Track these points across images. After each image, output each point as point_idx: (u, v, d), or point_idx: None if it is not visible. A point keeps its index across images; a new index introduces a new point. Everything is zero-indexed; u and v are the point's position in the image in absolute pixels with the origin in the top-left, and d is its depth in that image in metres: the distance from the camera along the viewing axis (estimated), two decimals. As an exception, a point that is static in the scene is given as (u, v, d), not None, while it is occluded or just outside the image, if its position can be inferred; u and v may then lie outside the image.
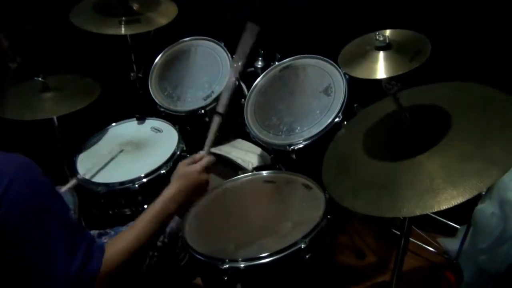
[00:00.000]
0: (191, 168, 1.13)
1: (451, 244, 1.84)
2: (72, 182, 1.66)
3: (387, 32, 1.20)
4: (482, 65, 1.75)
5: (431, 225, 1.93)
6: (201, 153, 1.18)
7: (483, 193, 1.62)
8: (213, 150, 1.93)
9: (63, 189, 1.61)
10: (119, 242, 1.01)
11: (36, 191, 0.91)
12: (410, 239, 1.89)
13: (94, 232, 1.40)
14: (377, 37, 1.16)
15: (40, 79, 1.76)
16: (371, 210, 1.12)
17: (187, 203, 1.14)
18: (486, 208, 1.61)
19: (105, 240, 1.35)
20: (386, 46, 1.17)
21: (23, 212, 0.88)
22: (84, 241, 0.96)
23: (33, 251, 0.90)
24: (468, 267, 1.73)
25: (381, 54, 1.18)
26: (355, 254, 1.98)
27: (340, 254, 1.99)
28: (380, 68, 1.16)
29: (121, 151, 1.82)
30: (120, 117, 1.99)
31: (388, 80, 1.16)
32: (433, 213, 1.90)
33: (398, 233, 1.53)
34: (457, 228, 1.89)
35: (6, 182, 0.86)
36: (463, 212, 1.66)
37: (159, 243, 1.40)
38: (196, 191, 1.13)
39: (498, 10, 1.68)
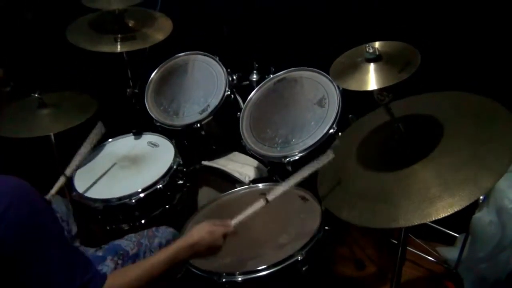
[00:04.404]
0: (218, 229, 1.18)
1: (451, 253, 1.83)
2: (60, 181, 1.60)
3: (377, 44, 1.21)
4: (473, 76, 1.76)
5: (430, 234, 1.93)
6: (230, 222, 1.23)
7: (480, 201, 1.62)
8: (210, 163, 1.94)
9: (53, 190, 1.54)
10: (123, 276, 1.04)
11: (34, 213, 0.92)
12: (410, 249, 1.90)
13: (91, 250, 1.40)
14: (367, 49, 1.18)
15: (36, 95, 1.77)
16: (368, 222, 1.12)
17: (196, 257, 1.20)
18: (483, 216, 1.61)
19: (99, 254, 1.35)
20: (376, 58, 1.18)
21: (21, 234, 0.89)
22: (81, 260, 0.97)
23: (32, 270, 0.91)
24: (468, 275, 1.73)
25: (372, 66, 1.19)
26: (355, 265, 1.97)
27: (340, 265, 1.98)
28: (371, 79, 1.17)
29: (114, 164, 1.83)
30: (117, 133, 2.00)
31: (380, 91, 1.17)
32: (432, 222, 1.90)
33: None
34: (456, 236, 1.88)
35: (4, 205, 0.87)
36: (461, 221, 1.66)
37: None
38: (209, 251, 1.17)
39: (488, 20, 1.71)
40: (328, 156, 1.24)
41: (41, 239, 0.92)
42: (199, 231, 1.17)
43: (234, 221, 1.24)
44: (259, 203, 1.25)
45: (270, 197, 1.25)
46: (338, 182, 1.26)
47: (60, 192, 1.63)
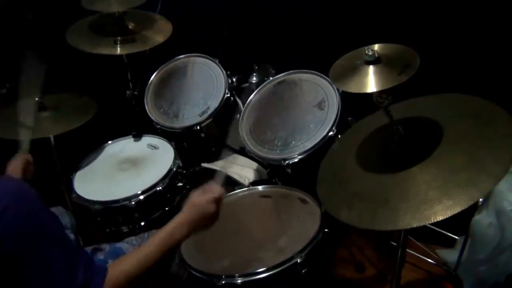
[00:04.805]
0: (202, 197, 1.13)
1: (450, 255, 1.83)
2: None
3: (376, 46, 1.21)
4: (473, 77, 1.77)
5: (429, 236, 1.93)
6: (213, 184, 1.18)
7: (480, 203, 1.62)
8: (209, 165, 1.94)
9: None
10: (123, 265, 1.02)
11: (32, 213, 0.92)
12: (410, 251, 1.89)
13: (88, 248, 1.41)
14: (366, 52, 1.18)
15: (37, 99, 1.77)
16: (366, 224, 1.12)
17: (195, 232, 1.12)
18: (483, 219, 1.61)
19: (101, 257, 1.35)
20: (375, 60, 1.18)
21: (20, 234, 0.90)
22: (82, 259, 0.97)
23: (31, 270, 0.91)
24: (468, 278, 1.73)
25: (371, 68, 1.19)
26: (355, 267, 1.97)
27: (339, 267, 1.98)
28: (371, 82, 1.17)
29: (114, 166, 1.83)
30: (117, 135, 2.00)
31: (379, 93, 1.17)
32: (431, 224, 1.90)
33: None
34: (455, 239, 1.88)
35: (3, 205, 0.88)
36: (461, 223, 1.66)
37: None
38: (204, 221, 1.12)
39: (487, 22, 1.71)
40: None
41: (40, 239, 0.92)
42: (188, 207, 1.12)
43: (216, 181, 1.18)
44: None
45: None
46: (337, 183, 1.26)
47: (62, 200, 1.64)
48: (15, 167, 1.46)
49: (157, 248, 1.05)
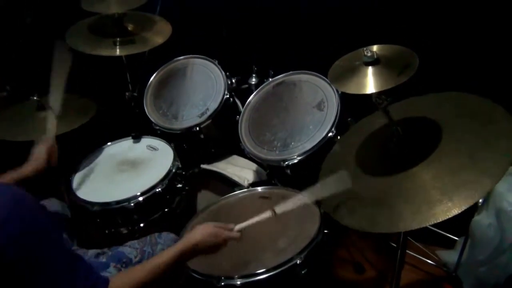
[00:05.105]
0: (220, 232, 1.20)
1: (450, 256, 1.83)
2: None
3: (375, 47, 1.22)
4: (473, 77, 1.77)
5: (429, 237, 1.93)
6: (234, 227, 1.24)
7: (480, 204, 1.62)
8: (209, 167, 1.94)
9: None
10: (128, 277, 1.04)
11: (33, 219, 0.93)
12: (409, 252, 1.89)
13: (92, 252, 1.40)
14: (365, 53, 1.18)
15: (35, 98, 1.78)
16: (368, 227, 1.12)
17: (198, 256, 1.19)
18: (483, 219, 1.61)
19: (103, 260, 1.35)
20: (374, 61, 1.19)
21: (22, 242, 0.90)
22: (82, 267, 0.98)
23: (35, 276, 0.91)
24: (467, 279, 1.72)
25: (370, 69, 1.19)
26: (354, 268, 1.97)
27: (339, 268, 1.98)
28: (370, 83, 1.18)
29: (113, 167, 1.83)
30: (116, 136, 2.00)
31: (378, 94, 1.17)
32: (431, 225, 1.90)
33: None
34: (455, 239, 1.88)
35: (3, 216, 0.88)
36: (461, 224, 1.66)
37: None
38: (210, 250, 1.19)
39: (487, 22, 1.71)
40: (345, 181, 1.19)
41: (41, 243, 0.92)
42: (202, 232, 1.17)
43: (237, 227, 1.23)
44: (266, 214, 1.25)
45: (278, 210, 1.25)
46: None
47: (59, 195, 1.64)
48: (39, 155, 1.47)
49: (164, 266, 1.08)
